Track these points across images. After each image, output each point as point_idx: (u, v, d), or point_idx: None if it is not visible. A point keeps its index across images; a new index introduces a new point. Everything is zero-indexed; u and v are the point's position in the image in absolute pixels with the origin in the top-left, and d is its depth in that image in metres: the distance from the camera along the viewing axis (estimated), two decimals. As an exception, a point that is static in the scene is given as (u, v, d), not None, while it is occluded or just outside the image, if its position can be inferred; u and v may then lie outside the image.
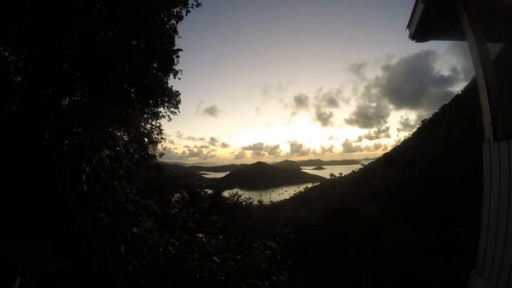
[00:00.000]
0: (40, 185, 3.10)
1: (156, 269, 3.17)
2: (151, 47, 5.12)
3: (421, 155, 25.61)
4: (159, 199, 6.77)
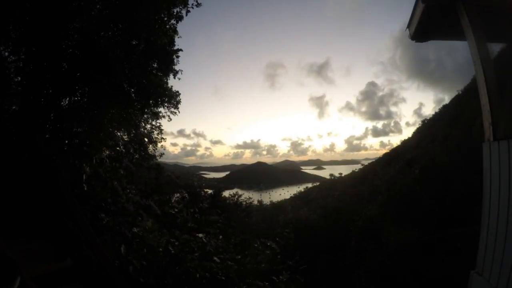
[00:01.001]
0: (40, 185, 3.10)
1: (156, 269, 3.17)
2: (151, 47, 5.12)
3: (421, 155, 25.60)
4: (159, 199, 6.77)
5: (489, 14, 2.43)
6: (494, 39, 2.54)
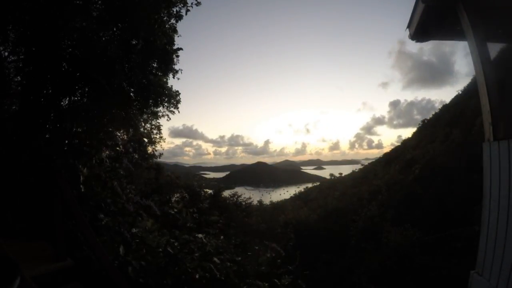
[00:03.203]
0: (40, 185, 3.10)
1: (156, 269, 3.17)
2: (150, 46, 5.12)
3: (421, 155, 25.65)
4: (159, 199, 6.77)
5: (489, 14, 2.43)
6: (494, 39, 2.54)
